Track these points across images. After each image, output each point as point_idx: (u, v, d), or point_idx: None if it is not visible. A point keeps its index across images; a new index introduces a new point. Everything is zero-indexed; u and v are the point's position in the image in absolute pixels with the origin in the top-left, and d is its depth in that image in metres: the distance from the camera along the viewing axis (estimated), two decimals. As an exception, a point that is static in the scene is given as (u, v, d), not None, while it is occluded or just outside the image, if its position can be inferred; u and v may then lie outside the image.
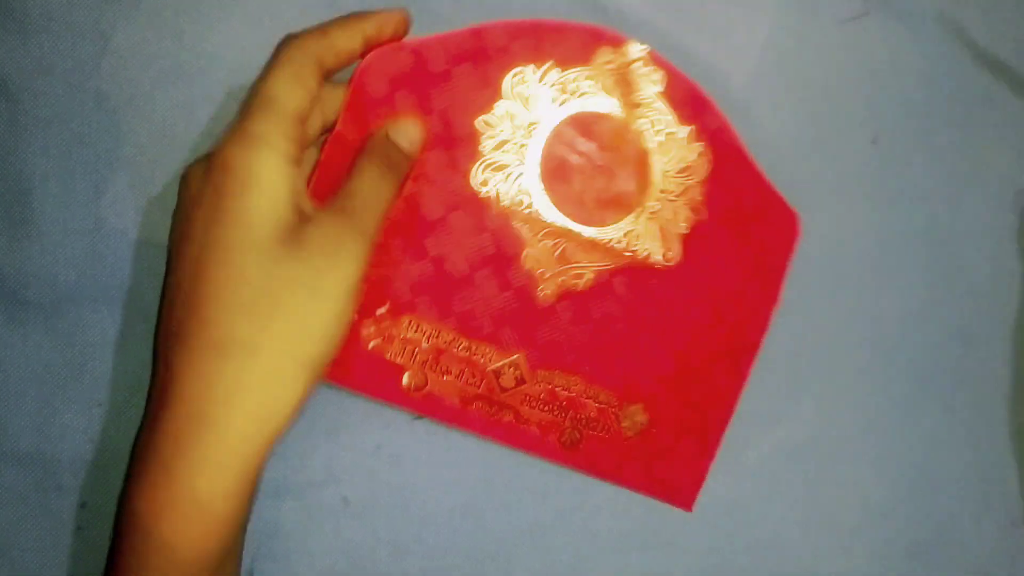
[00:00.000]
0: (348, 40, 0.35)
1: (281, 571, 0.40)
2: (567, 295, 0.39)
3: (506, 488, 0.41)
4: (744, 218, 0.39)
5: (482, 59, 0.38)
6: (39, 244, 0.41)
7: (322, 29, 0.35)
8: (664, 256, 0.39)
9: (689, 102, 0.39)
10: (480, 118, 0.38)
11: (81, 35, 0.41)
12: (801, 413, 0.41)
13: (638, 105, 0.39)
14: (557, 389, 0.39)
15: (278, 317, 0.31)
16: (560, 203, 0.39)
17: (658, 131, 0.39)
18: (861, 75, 0.43)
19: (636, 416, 0.40)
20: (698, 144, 0.39)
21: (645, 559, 0.41)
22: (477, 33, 0.38)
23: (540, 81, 0.38)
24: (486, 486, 0.41)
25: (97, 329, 0.40)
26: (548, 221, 0.39)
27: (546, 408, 0.39)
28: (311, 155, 0.37)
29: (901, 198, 0.43)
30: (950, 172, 0.43)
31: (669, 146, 0.39)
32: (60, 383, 0.40)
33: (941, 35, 0.43)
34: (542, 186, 0.39)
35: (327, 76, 0.35)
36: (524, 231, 0.39)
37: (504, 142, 0.38)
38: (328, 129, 0.37)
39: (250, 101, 0.33)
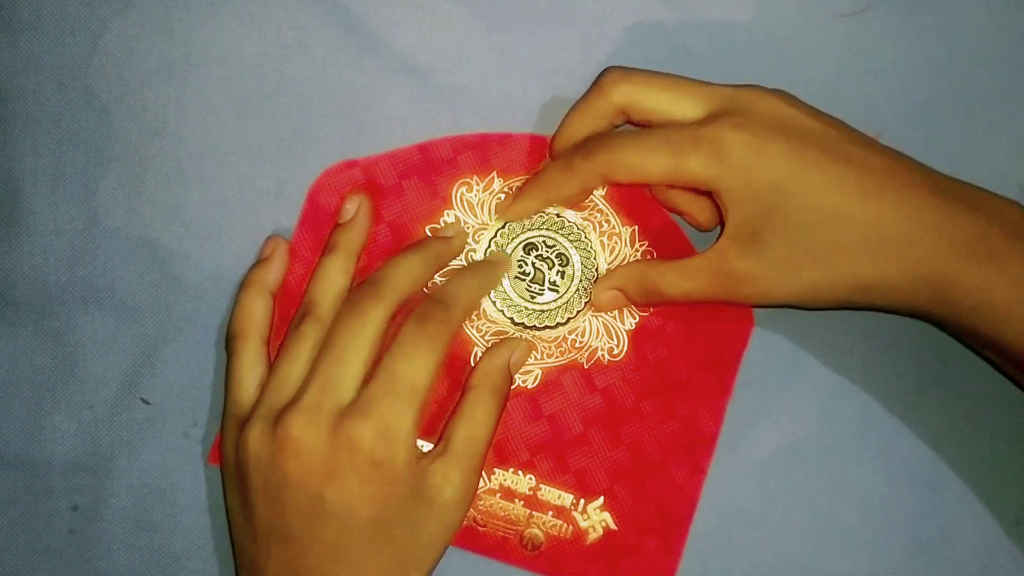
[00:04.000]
0: (423, 281, 0.39)
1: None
2: (517, 394, 0.40)
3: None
4: (693, 313, 0.40)
5: (430, 172, 0.40)
6: (29, 244, 0.40)
7: (454, 303, 0.38)
8: (610, 352, 0.40)
9: (632, 202, 0.40)
10: (428, 226, 0.40)
11: (71, 33, 0.41)
12: (801, 413, 0.41)
13: (583, 208, 0.40)
14: (514, 488, 0.40)
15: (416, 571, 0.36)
16: (505, 304, 0.40)
17: (602, 231, 0.40)
18: (862, 70, 0.42)
19: (596, 514, 0.40)
20: (642, 243, 0.40)
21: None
22: (424, 148, 0.40)
23: (485, 190, 0.40)
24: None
25: (88, 330, 0.40)
26: (494, 320, 0.40)
27: (504, 511, 0.40)
28: None
29: (902, 194, 0.42)
30: (952, 168, 0.42)
31: (612, 245, 0.40)
32: (50, 385, 0.40)
33: (942, 30, 0.42)
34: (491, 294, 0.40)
35: None
36: (472, 332, 0.40)
37: None
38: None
39: (388, 381, 0.36)
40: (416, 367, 0.35)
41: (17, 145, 0.40)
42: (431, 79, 0.41)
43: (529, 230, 0.40)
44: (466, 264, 0.40)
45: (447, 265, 0.40)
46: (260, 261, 0.39)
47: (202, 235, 0.40)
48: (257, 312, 0.38)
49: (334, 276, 0.38)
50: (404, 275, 0.37)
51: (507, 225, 0.40)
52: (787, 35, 0.42)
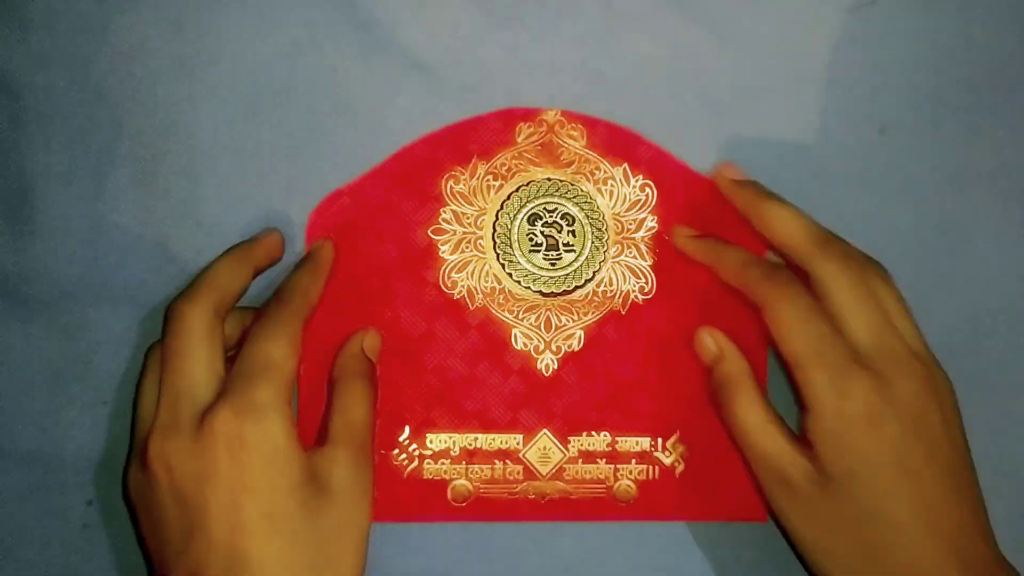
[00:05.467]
0: (240, 279, 0.38)
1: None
2: (567, 359, 0.40)
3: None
4: (707, 225, 0.40)
5: (414, 177, 0.40)
6: (41, 241, 0.40)
7: (302, 290, 0.38)
8: (641, 291, 0.41)
9: (614, 142, 0.41)
10: (430, 229, 0.40)
11: (82, 30, 0.41)
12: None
13: (570, 163, 0.41)
14: (592, 449, 0.40)
15: (334, 566, 0.34)
16: (529, 280, 0.41)
17: (595, 179, 0.41)
18: (868, 64, 0.42)
19: (676, 448, 0.40)
20: (636, 176, 0.41)
21: (654, 554, 0.41)
22: (400, 157, 0.41)
23: (472, 177, 0.41)
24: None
25: (101, 326, 0.40)
26: (523, 298, 0.40)
27: (590, 473, 0.40)
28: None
29: (909, 189, 0.42)
30: (959, 162, 0.43)
31: (610, 189, 0.41)
32: (64, 381, 0.40)
33: (949, 24, 0.42)
34: (506, 268, 0.41)
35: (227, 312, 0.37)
36: (505, 315, 0.40)
37: (460, 241, 0.41)
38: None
39: (246, 364, 0.34)
40: (266, 345, 0.35)
41: (29, 143, 0.40)
42: (440, 76, 0.41)
43: (527, 203, 0.41)
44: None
45: (264, 261, 0.39)
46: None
47: (214, 231, 0.41)
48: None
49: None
50: (214, 274, 0.37)
51: (504, 204, 0.41)
52: (794, 29, 0.42)
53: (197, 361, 0.35)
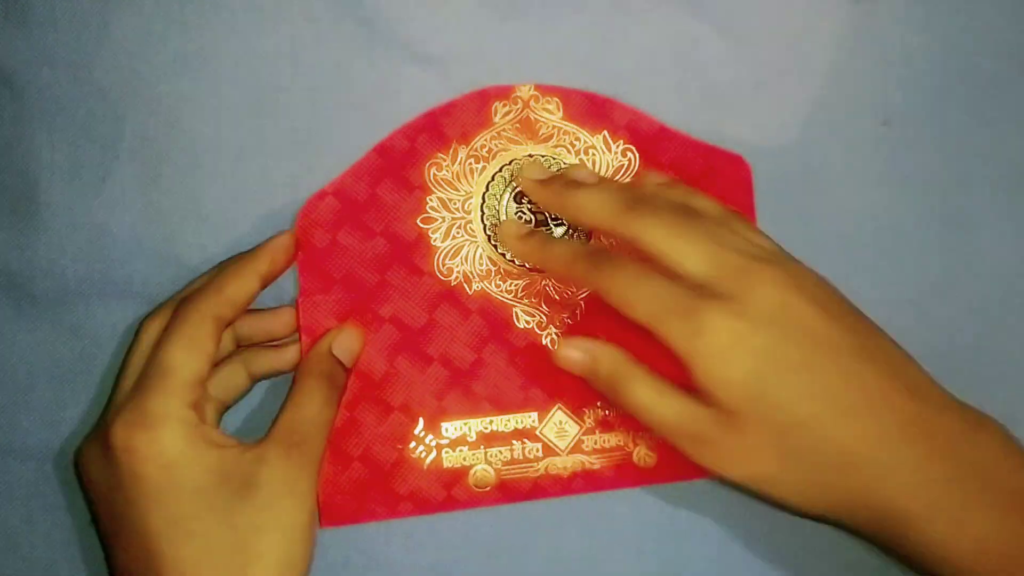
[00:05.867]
0: (244, 287, 0.37)
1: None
2: (571, 329, 0.40)
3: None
4: (692, 182, 0.40)
5: (396, 169, 0.40)
6: (46, 238, 0.40)
7: (216, 285, 0.36)
8: None
9: (591, 111, 0.41)
10: (418, 218, 0.40)
11: (85, 27, 0.41)
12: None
13: (549, 137, 0.41)
14: (609, 418, 0.40)
15: (256, 565, 0.33)
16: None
17: (576, 150, 0.41)
18: (872, 56, 0.42)
19: None
20: (617, 142, 0.41)
21: (660, 549, 0.41)
22: (380, 149, 0.41)
23: (454, 162, 0.41)
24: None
25: (106, 322, 0.40)
26: (519, 276, 0.41)
27: (609, 442, 0.40)
28: (235, 370, 0.38)
29: (913, 180, 0.42)
30: (962, 154, 0.43)
31: (591, 158, 0.41)
32: (69, 377, 0.40)
33: (952, 17, 0.42)
34: (499, 248, 0.41)
35: (228, 326, 0.37)
36: (504, 295, 0.40)
37: (449, 227, 0.41)
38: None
39: (146, 372, 0.34)
40: (168, 352, 0.34)
41: (33, 140, 0.40)
42: (444, 70, 0.41)
43: (511, 182, 0.41)
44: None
45: (275, 268, 0.39)
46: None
47: (219, 228, 0.41)
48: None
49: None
50: (220, 283, 0.37)
51: (489, 186, 0.41)
52: (797, 21, 0.42)
53: (132, 370, 0.36)
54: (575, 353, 0.36)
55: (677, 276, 0.34)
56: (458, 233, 0.40)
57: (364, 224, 0.40)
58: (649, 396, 0.35)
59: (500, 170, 0.41)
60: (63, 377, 0.40)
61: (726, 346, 0.33)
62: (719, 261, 0.34)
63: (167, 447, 0.33)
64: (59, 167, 0.40)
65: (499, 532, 0.41)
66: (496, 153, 0.41)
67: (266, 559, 0.33)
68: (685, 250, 0.34)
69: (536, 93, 0.41)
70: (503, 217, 0.40)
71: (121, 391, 0.35)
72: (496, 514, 0.41)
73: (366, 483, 0.39)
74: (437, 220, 0.40)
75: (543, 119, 0.41)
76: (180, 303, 0.36)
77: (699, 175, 0.41)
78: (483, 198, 0.41)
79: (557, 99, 0.41)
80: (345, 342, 0.39)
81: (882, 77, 0.42)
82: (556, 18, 0.42)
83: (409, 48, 0.41)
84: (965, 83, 0.43)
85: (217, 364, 0.37)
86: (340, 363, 0.38)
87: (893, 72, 0.42)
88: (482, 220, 0.41)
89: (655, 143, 0.41)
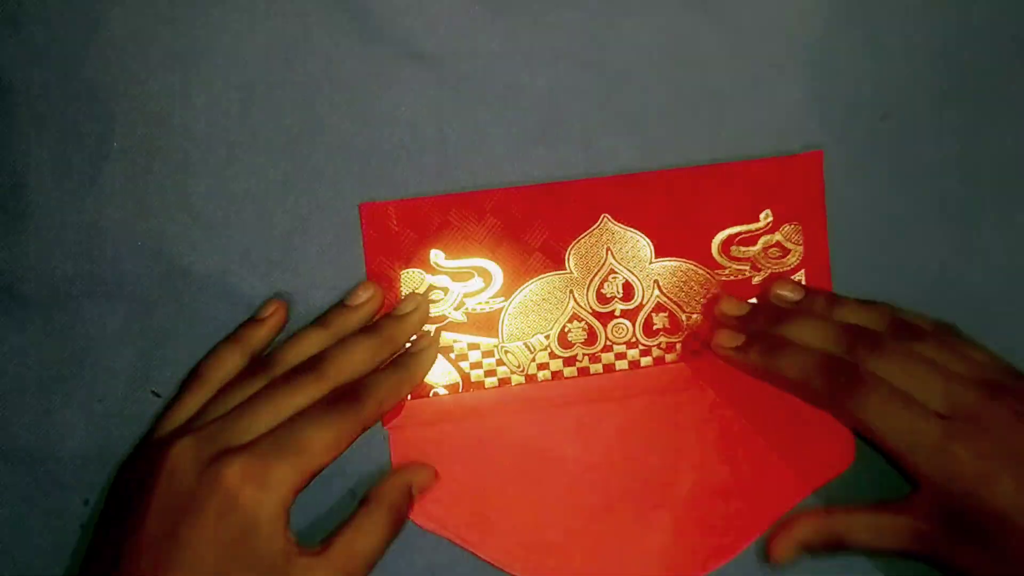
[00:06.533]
0: (393, 400, 0.38)
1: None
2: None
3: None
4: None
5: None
6: (35, 238, 0.40)
7: (376, 398, 0.37)
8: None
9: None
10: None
11: (74, 24, 0.40)
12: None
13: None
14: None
15: None
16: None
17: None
18: (870, 51, 0.42)
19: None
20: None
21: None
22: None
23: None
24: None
25: (96, 323, 0.40)
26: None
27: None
28: None
29: (913, 175, 0.42)
30: (962, 149, 0.42)
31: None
32: (59, 379, 0.40)
33: (951, 10, 0.42)
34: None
35: None
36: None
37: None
38: None
39: (288, 439, 0.34)
40: (312, 431, 0.35)
41: (22, 138, 0.40)
42: (437, 65, 0.41)
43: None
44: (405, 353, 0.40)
45: (401, 346, 0.39)
46: (254, 320, 0.39)
47: (210, 226, 0.40)
48: (228, 365, 0.38)
49: (308, 346, 0.38)
50: (349, 361, 0.37)
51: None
52: (796, 17, 0.42)
53: (271, 419, 0.35)
54: (788, 551, 0.38)
55: (918, 406, 0.36)
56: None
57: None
58: (868, 530, 0.37)
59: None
60: (54, 378, 0.40)
61: (972, 476, 0.34)
62: (958, 398, 0.35)
63: (262, 513, 0.33)
64: (48, 165, 0.40)
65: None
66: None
67: None
68: (922, 389, 0.36)
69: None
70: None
71: (208, 414, 0.36)
72: (492, 514, 0.40)
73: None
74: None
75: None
76: (352, 392, 0.36)
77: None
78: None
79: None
80: (424, 481, 0.39)
81: (881, 72, 0.42)
82: (549, 14, 0.41)
83: (401, 44, 0.41)
84: (964, 77, 0.42)
85: None
86: (411, 495, 0.38)
87: (892, 67, 0.42)
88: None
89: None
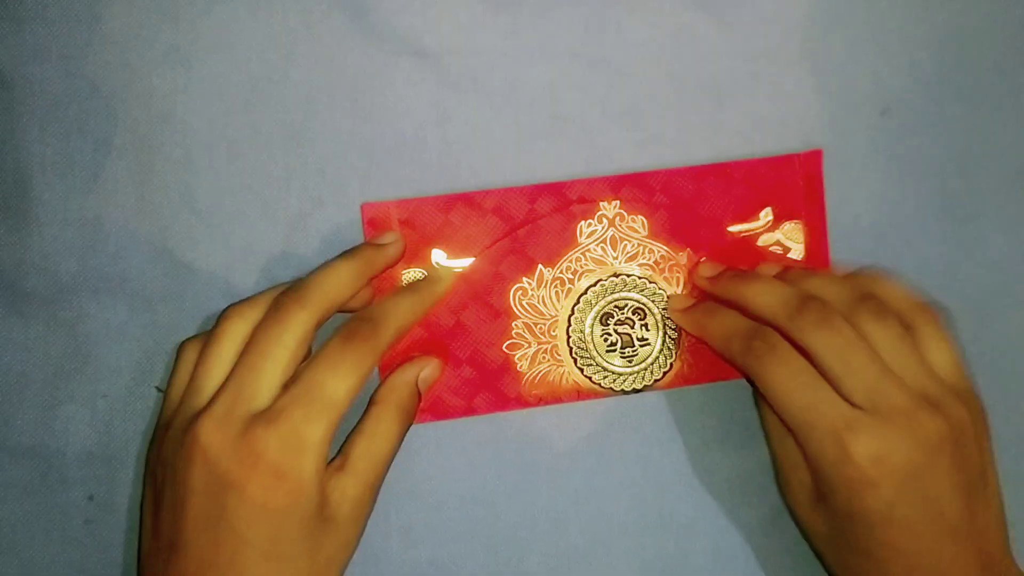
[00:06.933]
0: (353, 291, 0.37)
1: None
2: None
3: (518, 473, 0.41)
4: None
5: (481, 295, 0.40)
6: (39, 234, 0.40)
7: (387, 324, 0.37)
8: None
9: (676, 228, 0.41)
10: (504, 344, 0.40)
11: (76, 21, 0.40)
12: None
13: (633, 256, 0.41)
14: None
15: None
16: (611, 382, 0.41)
17: (660, 269, 0.41)
18: (870, 46, 0.42)
19: None
20: (702, 259, 0.41)
21: (659, 542, 0.41)
22: (465, 278, 0.40)
23: (539, 286, 0.40)
24: (498, 472, 0.41)
25: (100, 319, 0.40)
26: (606, 395, 0.41)
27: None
28: None
29: (912, 171, 0.42)
30: (962, 144, 0.42)
31: (676, 276, 0.41)
32: (63, 375, 0.40)
33: (951, 5, 0.42)
34: (585, 371, 0.41)
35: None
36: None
37: (536, 353, 0.40)
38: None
39: (306, 395, 0.34)
40: (334, 381, 0.34)
41: (25, 135, 0.40)
42: (438, 62, 0.41)
43: (597, 303, 0.40)
44: (406, 285, 0.40)
45: (379, 271, 0.39)
46: (375, 245, 0.39)
47: (212, 222, 0.40)
48: (344, 289, 0.37)
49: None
50: (331, 282, 0.36)
51: (575, 309, 0.40)
52: (796, 11, 0.42)
53: (276, 366, 0.35)
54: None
55: (836, 390, 0.35)
56: (544, 358, 0.40)
57: (451, 352, 0.40)
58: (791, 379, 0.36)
59: (585, 292, 0.40)
60: (58, 374, 0.40)
61: (860, 480, 0.34)
62: (881, 398, 0.34)
63: (305, 476, 0.33)
64: (51, 162, 0.40)
65: (497, 526, 0.40)
66: (581, 274, 0.40)
67: None
68: (849, 373, 0.35)
69: (622, 211, 0.40)
70: (590, 341, 0.40)
71: (264, 378, 0.35)
72: (494, 508, 0.40)
73: (475, 383, 0.40)
74: (523, 346, 0.40)
75: (628, 237, 0.40)
76: (357, 327, 0.36)
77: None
78: (569, 322, 0.40)
79: (643, 217, 0.40)
80: (430, 374, 0.39)
81: (880, 67, 0.42)
82: (551, 10, 0.41)
83: (403, 40, 0.41)
84: (963, 72, 0.42)
85: None
86: (418, 393, 0.38)
87: (891, 62, 0.42)
88: (568, 344, 0.40)
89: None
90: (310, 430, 0.34)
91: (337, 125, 0.41)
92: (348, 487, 0.35)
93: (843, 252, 0.42)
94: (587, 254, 0.40)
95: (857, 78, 0.42)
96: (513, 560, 0.41)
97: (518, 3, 0.41)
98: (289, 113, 0.41)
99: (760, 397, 0.38)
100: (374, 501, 0.36)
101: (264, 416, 0.34)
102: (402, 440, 0.37)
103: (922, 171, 0.42)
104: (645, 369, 0.40)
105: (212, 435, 0.33)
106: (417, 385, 0.38)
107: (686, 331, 0.40)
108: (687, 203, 0.40)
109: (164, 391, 0.40)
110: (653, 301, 0.40)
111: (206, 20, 0.40)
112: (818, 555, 0.38)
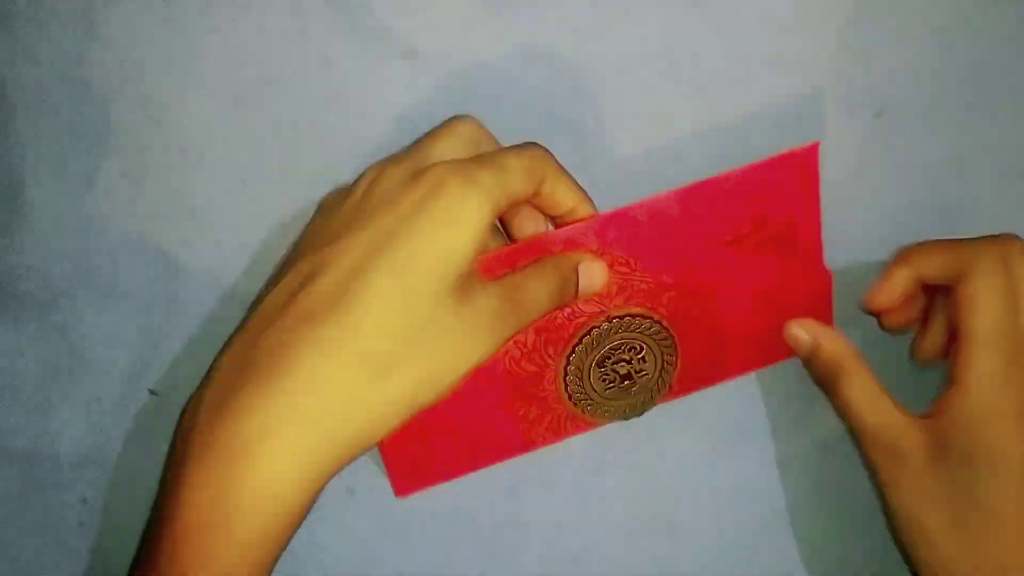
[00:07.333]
0: (566, 193, 0.35)
1: (287, 563, 0.40)
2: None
3: (512, 476, 0.41)
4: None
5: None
6: (32, 237, 0.40)
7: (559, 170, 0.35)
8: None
9: (669, 256, 0.38)
10: (503, 406, 0.38)
11: (69, 23, 0.40)
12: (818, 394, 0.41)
13: (624, 293, 0.38)
14: None
15: (420, 355, 0.31)
16: (612, 415, 0.40)
17: (653, 297, 0.38)
18: (864, 47, 0.42)
19: None
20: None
21: (653, 543, 0.41)
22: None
23: (531, 349, 0.38)
24: (491, 474, 0.41)
25: (93, 322, 0.40)
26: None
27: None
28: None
29: (907, 172, 0.42)
30: (957, 145, 0.42)
31: (667, 300, 0.39)
32: (57, 378, 0.40)
33: (946, 5, 0.42)
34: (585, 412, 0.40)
35: (531, 198, 0.35)
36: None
37: (532, 400, 0.39)
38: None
39: (482, 160, 0.33)
40: (510, 158, 0.33)
41: (18, 138, 0.40)
42: (432, 64, 0.41)
43: (593, 351, 0.39)
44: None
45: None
46: None
47: (206, 225, 0.40)
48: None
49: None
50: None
51: (571, 359, 0.38)
52: (788, 13, 0.42)
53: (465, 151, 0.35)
54: (803, 334, 0.38)
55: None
56: (540, 407, 0.39)
57: (449, 420, 0.38)
58: (867, 392, 0.36)
59: (580, 342, 0.38)
60: (51, 377, 0.40)
61: (1013, 411, 0.33)
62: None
63: (467, 220, 0.32)
64: (44, 165, 0.40)
65: (491, 530, 0.41)
66: (574, 325, 0.38)
67: (430, 357, 0.31)
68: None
69: (610, 252, 0.37)
70: (589, 386, 0.39)
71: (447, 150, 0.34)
72: (489, 511, 0.40)
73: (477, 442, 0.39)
74: (519, 401, 0.39)
75: (617, 274, 0.38)
76: (532, 143, 0.35)
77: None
78: (565, 372, 0.39)
79: (631, 257, 0.37)
80: (592, 270, 0.36)
81: (875, 68, 0.42)
82: (544, 11, 0.41)
83: (396, 42, 0.41)
84: (959, 74, 0.42)
85: None
86: (576, 279, 0.36)
87: (886, 63, 0.42)
88: (566, 391, 0.39)
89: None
90: (484, 175, 0.32)
91: (331, 127, 0.41)
92: (496, 292, 0.33)
93: (840, 252, 0.42)
94: (575, 304, 0.38)
95: (851, 79, 0.42)
96: (508, 562, 0.41)
97: (512, 5, 0.41)
98: (282, 114, 0.41)
99: None
100: (509, 335, 0.33)
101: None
102: (551, 308, 0.35)
103: (917, 172, 0.42)
104: (646, 394, 0.40)
105: (385, 168, 0.33)
106: (579, 271, 0.36)
107: (681, 343, 0.39)
108: (676, 228, 0.38)
109: (157, 393, 0.40)
110: (649, 335, 0.39)
111: (199, 22, 0.40)
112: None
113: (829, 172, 0.42)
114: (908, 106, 0.42)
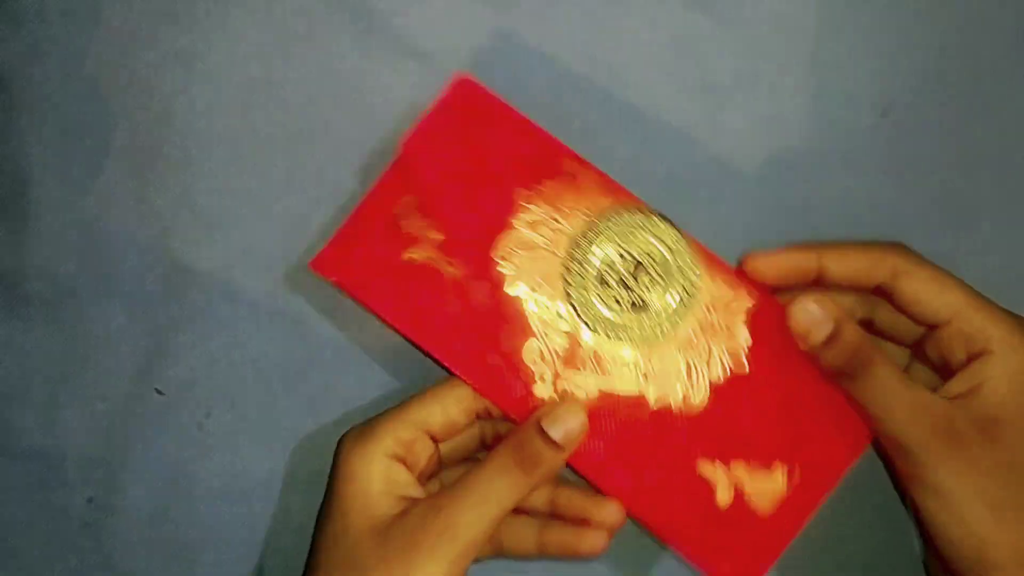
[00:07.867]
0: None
1: (292, 566, 0.40)
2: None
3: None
4: (801, 388, 0.35)
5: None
6: (38, 236, 0.40)
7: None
8: (685, 401, 0.35)
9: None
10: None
11: (75, 21, 0.40)
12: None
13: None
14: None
15: None
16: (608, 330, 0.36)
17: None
18: (870, 46, 0.42)
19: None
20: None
21: (654, 545, 0.41)
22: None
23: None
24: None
25: (99, 322, 0.40)
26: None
27: None
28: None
29: (913, 172, 0.42)
30: (962, 144, 0.42)
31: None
32: (63, 377, 0.40)
33: (951, 5, 0.42)
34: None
35: (474, 420, 0.35)
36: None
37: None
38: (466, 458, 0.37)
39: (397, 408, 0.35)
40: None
41: (23, 136, 0.40)
42: (438, 63, 0.41)
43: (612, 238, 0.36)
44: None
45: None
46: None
47: (211, 224, 0.40)
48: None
49: None
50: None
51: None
52: (794, 11, 0.42)
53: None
54: (818, 311, 0.34)
55: None
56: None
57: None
58: (895, 379, 0.33)
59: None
60: (57, 377, 0.40)
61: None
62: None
63: (356, 467, 0.34)
64: (50, 164, 0.40)
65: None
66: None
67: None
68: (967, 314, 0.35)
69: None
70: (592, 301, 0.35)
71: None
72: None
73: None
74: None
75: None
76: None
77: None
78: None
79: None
80: (561, 416, 0.33)
81: (880, 68, 0.42)
82: (549, 10, 0.41)
83: (402, 41, 0.41)
84: (964, 73, 0.42)
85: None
86: (548, 439, 0.32)
87: (891, 63, 0.42)
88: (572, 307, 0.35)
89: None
90: (375, 422, 0.35)
91: (336, 126, 0.41)
92: (414, 512, 0.32)
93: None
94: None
95: (857, 79, 0.42)
96: (512, 563, 0.41)
97: (517, 4, 0.41)
98: (288, 114, 0.41)
99: None
100: (450, 547, 0.32)
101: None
102: (516, 498, 0.32)
103: (922, 171, 0.42)
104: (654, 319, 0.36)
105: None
106: (544, 428, 0.33)
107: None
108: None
109: (164, 393, 0.40)
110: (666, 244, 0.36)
111: (205, 21, 0.40)
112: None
113: (834, 170, 0.42)
114: (914, 106, 0.42)
